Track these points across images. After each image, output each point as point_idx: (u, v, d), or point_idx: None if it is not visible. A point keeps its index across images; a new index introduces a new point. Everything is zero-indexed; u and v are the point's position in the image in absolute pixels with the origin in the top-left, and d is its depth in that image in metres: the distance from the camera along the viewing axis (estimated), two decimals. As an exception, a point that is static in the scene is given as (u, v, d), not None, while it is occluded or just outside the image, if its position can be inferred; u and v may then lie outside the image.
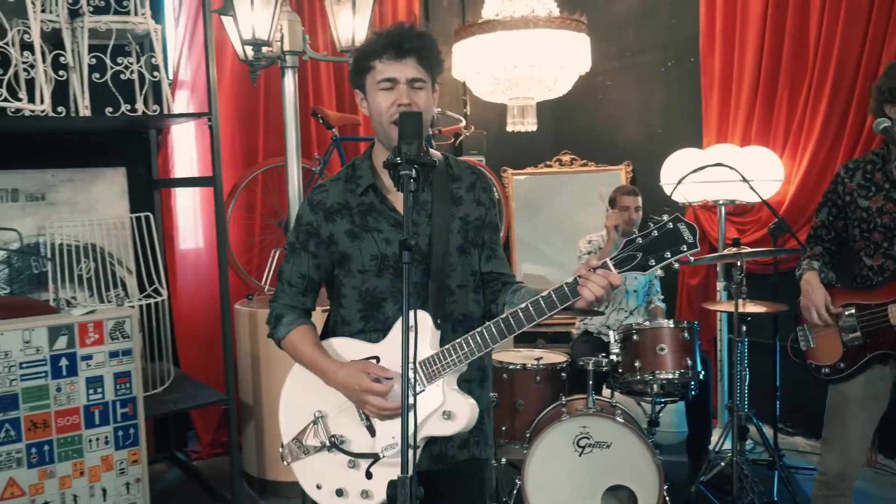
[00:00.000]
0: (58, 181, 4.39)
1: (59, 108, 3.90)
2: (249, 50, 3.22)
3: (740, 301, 3.79)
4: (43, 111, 3.71)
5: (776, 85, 4.84)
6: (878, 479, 4.34)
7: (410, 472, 1.60)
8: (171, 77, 4.68)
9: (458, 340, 1.98)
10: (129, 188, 4.62)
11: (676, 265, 1.89)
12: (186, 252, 5.01)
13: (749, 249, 3.89)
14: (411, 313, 1.94)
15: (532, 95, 5.06)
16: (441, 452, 2.15)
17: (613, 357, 3.71)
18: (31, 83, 3.77)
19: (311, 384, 2.15)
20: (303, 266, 2.20)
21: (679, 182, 4.20)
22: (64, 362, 3.34)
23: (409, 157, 1.80)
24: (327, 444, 2.13)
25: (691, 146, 5.05)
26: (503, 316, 1.95)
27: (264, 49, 3.24)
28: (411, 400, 1.65)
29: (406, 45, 2.02)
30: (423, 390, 1.99)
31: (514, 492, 3.61)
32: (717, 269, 4.99)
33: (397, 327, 2.07)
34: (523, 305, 1.92)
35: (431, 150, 2.20)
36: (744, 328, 3.88)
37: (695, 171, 4.17)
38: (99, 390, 3.43)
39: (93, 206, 4.48)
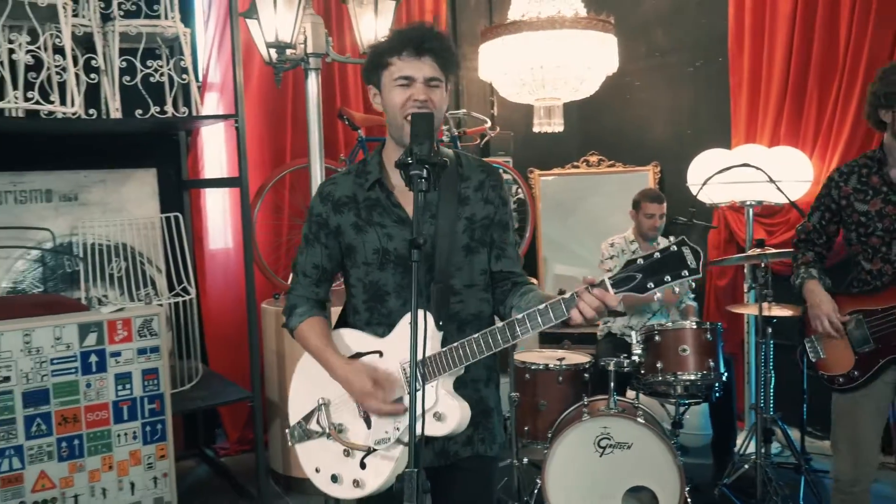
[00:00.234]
0: (90, 182, 4.49)
1: (91, 111, 3.99)
2: (273, 52, 3.26)
3: (766, 303, 3.77)
4: (74, 113, 3.79)
5: (805, 85, 4.80)
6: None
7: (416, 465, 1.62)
8: (200, 79, 4.75)
9: (455, 344, 1.99)
10: (159, 189, 4.71)
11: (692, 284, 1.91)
12: (215, 252, 5.08)
13: (773, 251, 3.86)
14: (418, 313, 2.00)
15: (558, 96, 5.05)
16: (444, 449, 2.17)
17: (635, 358, 3.70)
18: (63, 86, 3.85)
19: (320, 371, 2.20)
20: (316, 256, 2.24)
21: (704, 183, 4.20)
22: (93, 359, 3.42)
23: (419, 157, 1.82)
24: (327, 430, 2.17)
25: (720, 147, 5.02)
26: (499, 325, 1.96)
27: (288, 51, 3.28)
28: (417, 398, 1.67)
29: (426, 44, 2.05)
30: (418, 390, 2.01)
31: (535, 491, 3.62)
32: (745, 270, 4.95)
33: (402, 324, 2.09)
34: (520, 317, 1.94)
35: (442, 149, 2.23)
36: (769, 330, 3.85)
37: (720, 171, 4.16)
38: (127, 386, 3.50)
39: (124, 207, 4.57)
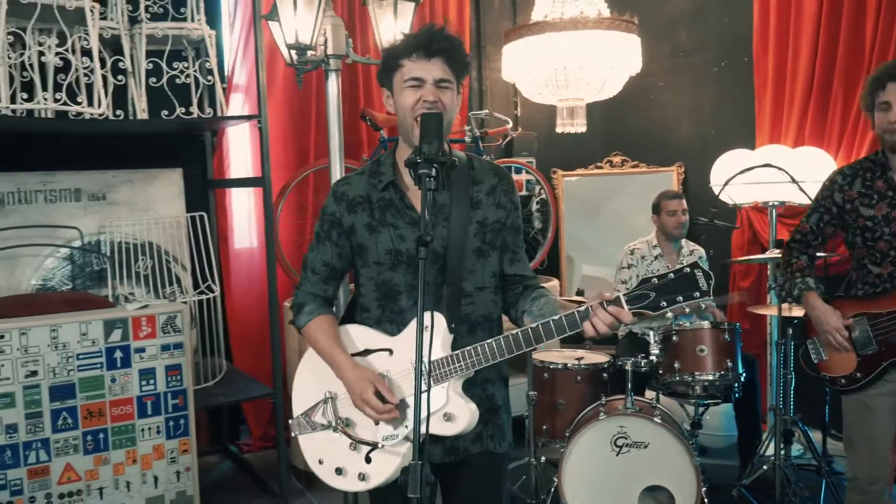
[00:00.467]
0: (118, 182, 4.57)
1: (118, 112, 4.07)
2: (294, 54, 3.31)
3: (786, 304, 3.75)
4: (101, 114, 3.87)
5: (831, 85, 4.76)
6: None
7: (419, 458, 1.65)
8: (225, 81, 4.82)
9: (468, 348, 2.04)
10: (185, 188, 4.78)
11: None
12: (241, 251, 5.15)
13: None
14: (426, 314, 2.03)
15: (581, 97, 5.05)
16: (453, 445, 2.20)
17: (653, 358, 3.71)
18: (90, 88, 3.93)
19: (326, 365, 2.24)
20: (326, 255, 2.28)
21: (725, 184, 4.19)
22: (118, 354, 3.50)
23: (427, 156, 1.86)
24: (333, 424, 2.21)
25: (744, 147, 4.99)
26: (513, 333, 2.01)
27: (309, 53, 3.33)
28: (423, 397, 1.70)
29: (435, 45, 2.08)
30: (424, 390, 2.04)
31: (552, 490, 3.64)
32: (768, 271, 4.93)
33: (414, 323, 2.12)
34: (534, 326, 1.99)
35: (455, 151, 2.26)
36: (789, 331, 3.84)
37: (742, 171, 4.15)
38: (151, 382, 3.58)
39: (150, 206, 4.64)
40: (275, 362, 4.20)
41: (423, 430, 1.72)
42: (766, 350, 4.97)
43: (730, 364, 3.70)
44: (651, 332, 3.79)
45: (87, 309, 3.59)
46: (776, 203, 4.67)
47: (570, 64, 4.77)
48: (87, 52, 3.91)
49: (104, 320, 3.46)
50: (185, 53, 4.46)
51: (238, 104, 4.96)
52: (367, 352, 2.21)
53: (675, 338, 3.78)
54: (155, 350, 3.58)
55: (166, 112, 4.23)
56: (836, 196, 3.07)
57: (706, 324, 3.80)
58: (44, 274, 4.32)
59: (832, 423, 4.46)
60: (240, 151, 5.10)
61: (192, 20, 4.35)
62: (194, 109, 4.38)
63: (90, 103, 3.88)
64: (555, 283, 5.54)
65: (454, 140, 5.42)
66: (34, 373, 3.29)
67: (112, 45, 4.22)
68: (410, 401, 2.08)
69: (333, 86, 3.46)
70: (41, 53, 3.85)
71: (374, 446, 2.14)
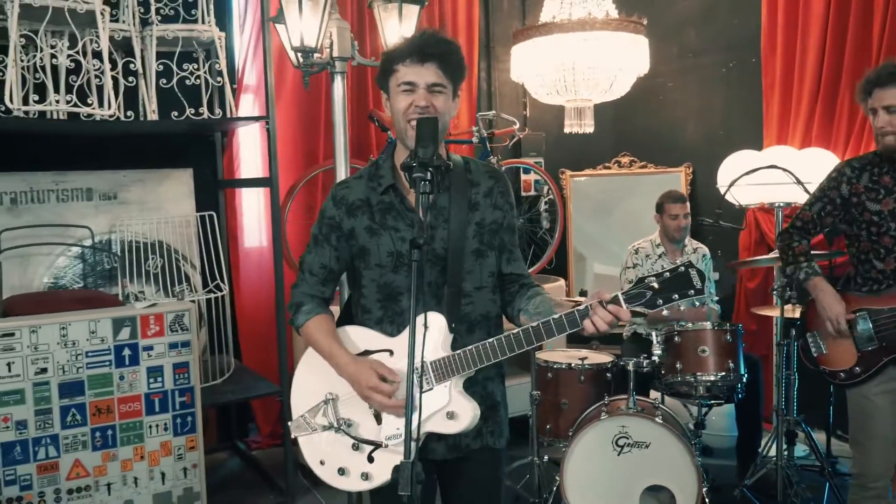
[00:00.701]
0: (129, 181, 4.62)
1: (129, 113, 4.13)
2: (299, 56, 3.36)
3: (793, 305, 3.77)
4: (112, 115, 3.93)
5: (838, 86, 4.77)
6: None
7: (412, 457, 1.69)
8: (235, 82, 4.87)
9: (470, 347, 2.07)
10: (195, 188, 4.83)
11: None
12: (250, 250, 5.20)
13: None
14: (428, 314, 2.09)
15: (589, 97, 5.07)
16: (455, 442, 2.24)
17: (655, 358, 3.73)
18: (101, 89, 3.99)
19: (327, 366, 2.27)
20: (324, 257, 2.31)
21: (731, 185, 4.21)
22: (126, 352, 3.54)
23: (422, 159, 1.90)
24: (335, 425, 2.24)
25: (752, 148, 5.00)
26: (514, 332, 2.05)
27: (315, 55, 3.37)
28: (415, 395, 1.74)
29: (428, 50, 2.11)
30: (430, 389, 2.09)
31: (554, 489, 3.67)
32: (775, 272, 4.93)
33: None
34: (535, 324, 2.03)
35: (452, 155, 2.30)
36: (792, 332, 3.85)
37: (747, 173, 4.16)
38: (159, 379, 3.62)
39: (161, 205, 4.70)
40: (282, 361, 4.25)
41: (413, 429, 1.75)
42: (772, 351, 4.98)
43: (731, 365, 3.72)
44: (654, 333, 3.82)
45: (97, 307, 3.64)
46: (782, 204, 4.67)
47: (578, 65, 4.80)
48: (97, 55, 3.96)
49: (113, 319, 3.50)
50: (196, 55, 4.52)
51: (248, 104, 5.01)
52: (367, 353, 2.24)
53: (676, 338, 3.80)
54: (163, 348, 3.62)
55: (176, 113, 4.28)
56: (842, 188, 3.08)
57: (708, 325, 3.82)
58: (55, 272, 4.39)
59: (837, 424, 4.47)
60: (250, 151, 5.15)
61: (203, 22, 4.40)
62: (204, 110, 4.44)
63: (101, 105, 3.94)
64: (561, 282, 5.56)
65: (462, 141, 5.47)
66: (44, 370, 3.34)
67: (123, 46, 4.27)
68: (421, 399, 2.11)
69: (339, 88, 3.50)
70: (53, 56, 3.92)
71: (377, 446, 2.18)
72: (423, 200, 1.91)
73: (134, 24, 4.20)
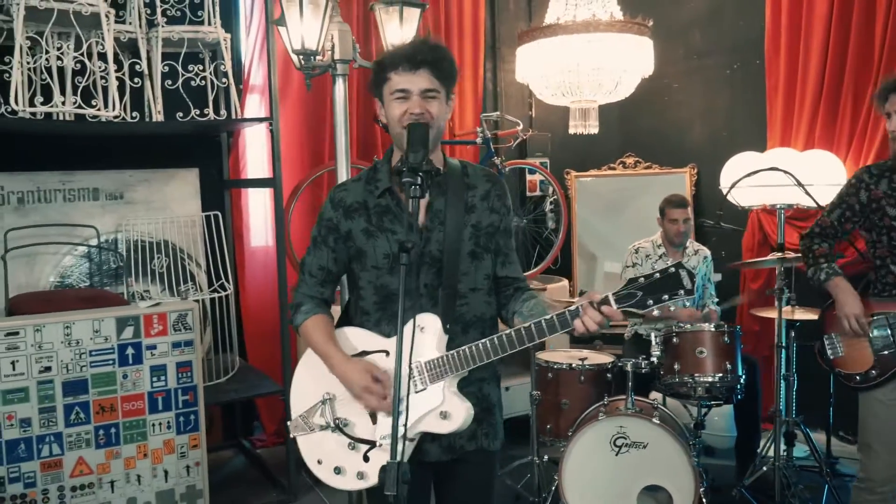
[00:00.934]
0: (135, 181, 4.66)
1: (134, 113, 4.17)
2: (301, 59, 3.39)
3: (792, 307, 3.78)
4: (116, 116, 3.97)
5: (840, 87, 4.77)
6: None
7: (399, 458, 1.72)
8: (241, 82, 4.90)
9: (463, 348, 2.11)
10: (201, 188, 4.86)
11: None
12: (256, 249, 5.24)
13: (792, 255, 3.87)
14: (423, 315, 2.13)
15: (594, 99, 5.09)
16: (450, 444, 2.27)
17: (653, 359, 3.75)
18: (107, 90, 4.03)
19: (324, 367, 2.31)
20: (323, 259, 2.35)
21: (732, 186, 4.22)
22: (130, 351, 3.59)
23: (411, 165, 1.93)
24: (332, 424, 2.28)
25: (756, 149, 5.01)
26: (507, 332, 2.09)
27: (316, 57, 3.40)
28: (403, 395, 1.77)
29: (419, 56, 2.14)
30: (424, 389, 2.13)
31: (553, 489, 3.69)
32: (777, 273, 4.92)
33: (410, 325, 2.18)
34: (527, 325, 2.06)
35: (449, 159, 2.33)
36: (792, 334, 3.86)
37: (748, 175, 4.17)
38: (162, 378, 3.66)
39: (167, 205, 4.74)
40: (285, 360, 4.28)
41: (405, 429, 1.78)
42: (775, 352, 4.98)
43: (729, 366, 3.73)
44: (653, 334, 3.84)
45: (102, 306, 3.69)
46: (784, 206, 4.67)
47: (583, 66, 4.81)
48: (103, 56, 4.00)
49: (116, 318, 3.55)
50: (202, 56, 4.56)
51: (255, 105, 5.04)
52: (364, 353, 2.27)
53: (675, 339, 3.82)
54: (166, 347, 3.66)
55: (181, 114, 4.33)
56: (861, 194, 3.09)
57: (706, 326, 3.83)
58: (62, 271, 4.43)
59: (838, 425, 4.47)
60: (257, 151, 5.18)
61: (209, 23, 4.44)
62: (209, 111, 4.47)
63: (106, 106, 3.98)
64: (564, 283, 5.58)
65: (466, 142, 5.49)
66: (48, 368, 3.38)
67: (129, 47, 4.32)
68: (408, 401, 2.14)
69: (340, 90, 3.54)
70: (59, 57, 3.96)
71: (372, 445, 2.21)
72: (413, 204, 1.94)
73: (140, 26, 4.25)
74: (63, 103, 3.94)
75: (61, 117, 3.97)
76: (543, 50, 4.88)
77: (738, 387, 3.83)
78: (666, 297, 1.96)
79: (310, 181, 4.94)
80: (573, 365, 3.98)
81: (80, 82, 4.00)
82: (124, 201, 4.63)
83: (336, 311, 2.46)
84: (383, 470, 1.75)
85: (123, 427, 3.58)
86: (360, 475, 2.23)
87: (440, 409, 2.13)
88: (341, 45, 3.46)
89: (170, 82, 4.37)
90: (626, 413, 3.53)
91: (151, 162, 4.69)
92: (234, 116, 4.50)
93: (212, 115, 4.47)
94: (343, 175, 3.55)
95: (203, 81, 4.53)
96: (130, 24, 4.24)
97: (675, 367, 3.78)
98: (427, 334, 2.12)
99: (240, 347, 4.87)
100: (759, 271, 5.15)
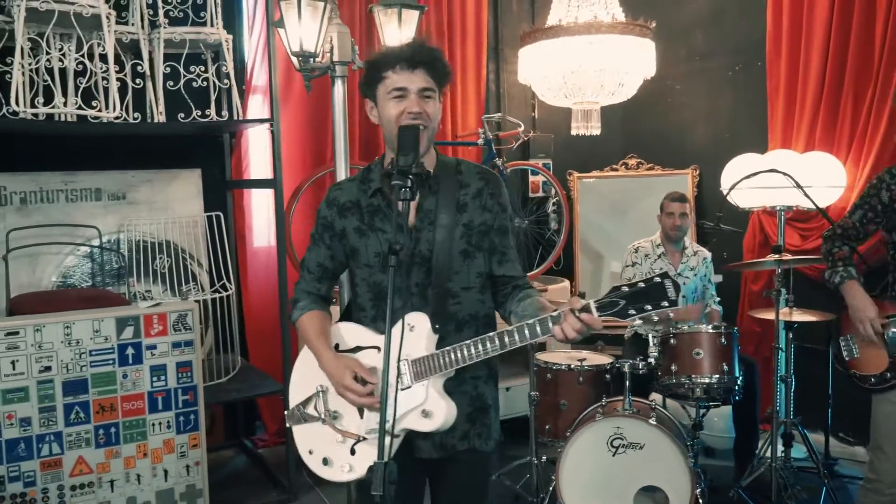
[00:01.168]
0: (137, 181, 4.69)
1: (136, 114, 4.19)
2: (299, 61, 3.41)
3: (790, 308, 3.77)
4: (117, 117, 3.99)
5: (841, 89, 4.75)
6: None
7: (386, 457, 1.74)
8: (244, 83, 4.92)
9: (447, 349, 2.12)
10: (203, 188, 4.89)
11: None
12: (258, 250, 5.26)
13: (790, 257, 3.87)
14: (412, 314, 2.15)
15: (596, 100, 5.09)
16: (442, 442, 2.28)
17: (651, 360, 3.75)
18: (108, 91, 4.05)
19: None
20: (320, 256, 2.40)
21: (731, 188, 4.22)
22: (130, 351, 3.61)
23: (400, 168, 1.95)
24: (322, 416, 2.31)
25: (757, 151, 5.01)
26: (490, 335, 2.09)
27: (315, 59, 3.42)
28: (390, 393, 1.78)
29: (417, 56, 2.17)
30: (409, 387, 2.14)
31: (550, 489, 3.70)
32: (776, 274, 4.92)
33: (400, 323, 2.20)
34: (510, 329, 2.07)
35: (442, 157, 2.34)
36: (789, 335, 3.86)
37: (747, 177, 4.17)
38: (162, 378, 3.68)
39: (169, 206, 4.76)
40: (285, 359, 4.30)
41: (388, 429, 1.79)
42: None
43: (726, 367, 3.73)
44: (650, 335, 3.84)
45: (103, 306, 3.71)
46: (783, 207, 4.68)
47: (584, 68, 4.82)
48: (104, 57, 4.03)
49: (116, 318, 3.57)
50: (204, 57, 4.58)
51: (258, 105, 5.06)
52: (357, 348, 2.31)
53: (672, 341, 3.82)
54: (166, 347, 3.68)
55: (183, 115, 4.35)
56: (882, 194, 3.08)
57: (703, 327, 3.83)
58: (64, 271, 4.46)
59: (838, 427, 4.47)
60: (259, 152, 5.20)
61: (212, 25, 4.46)
62: (211, 112, 4.49)
63: (107, 107, 4.01)
64: (566, 283, 5.58)
65: (467, 143, 5.50)
66: (48, 368, 3.41)
67: (132, 48, 4.34)
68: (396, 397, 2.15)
69: (339, 92, 3.55)
70: (60, 59, 3.99)
71: (359, 439, 2.24)
72: (402, 207, 1.96)
73: (142, 27, 4.27)
74: (64, 104, 3.96)
75: (63, 118, 3.99)
76: (545, 51, 4.88)
77: (736, 388, 3.83)
78: (649, 307, 1.93)
79: (311, 182, 4.95)
80: (572, 366, 3.98)
81: (82, 83, 4.02)
82: (127, 202, 4.65)
83: (335, 310, 2.49)
84: (370, 469, 1.76)
85: (123, 427, 3.60)
86: (347, 467, 2.27)
87: (422, 407, 2.15)
88: (340, 47, 3.47)
89: (171, 83, 4.39)
90: (623, 414, 3.54)
91: (154, 162, 4.71)
92: (235, 117, 4.51)
93: (213, 116, 4.49)
94: (342, 176, 3.57)
95: (205, 82, 4.55)
96: (133, 25, 4.27)
97: (673, 368, 3.78)
98: (416, 333, 2.14)
99: (241, 347, 4.89)
100: (760, 273, 5.15)
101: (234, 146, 5.08)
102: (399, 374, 2.12)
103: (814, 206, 4.08)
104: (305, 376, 2.41)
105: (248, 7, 5.09)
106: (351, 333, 2.35)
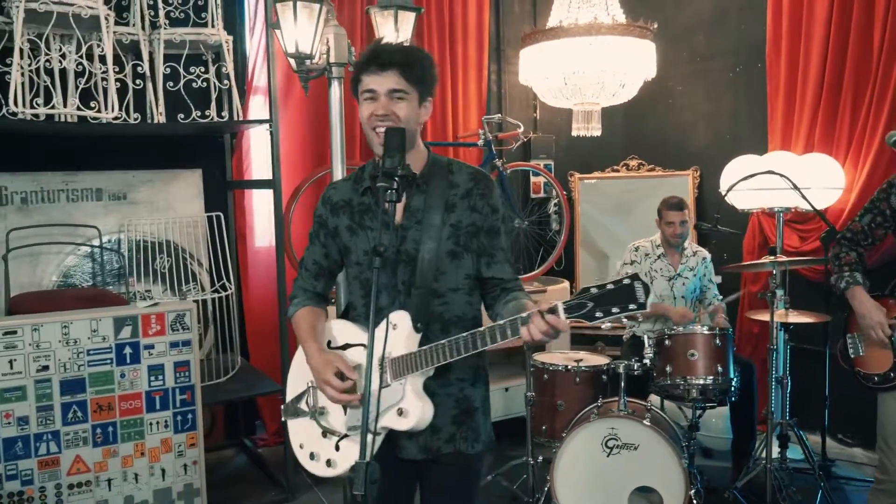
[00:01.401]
0: (138, 181, 4.71)
1: (136, 115, 4.22)
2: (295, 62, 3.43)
3: (786, 310, 3.77)
4: (116, 118, 4.02)
5: (840, 91, 4.75)
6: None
7: (368, 456, 1.75)
8: (244, 84, 4.94)
9: (423, 348, 2.13)
10: (204, 189, 4.91)
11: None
12: (259, 250, 5.27)
13: (785, 258, 3.88)
14: (396, 313, 2.16)
15: (597, 101, 5.10)
16: (427, 444, 2.29)
17: (646, 361, 3.76)
18: (107, 92, 4.08)
19: None
20: (316, 253, 2.43)
21: (729, 189, 4.22)
22: (128, 350, 3.63)
23: (385, 170, 1.96)
24: (310, 411, 2.35)
25: (758, 152, 5.01)
26: (464, 335, 2.08)
27: (311, 61, 3.44)
28: (382, 394, 1.80)
29: (384, 58, 2.17)
30: (388, 385, 2.14)
31: (546, 489, 3.70)
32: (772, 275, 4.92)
33: (389, 320, 2.21)
34: (482, 329, 2.07)
35: (434, 155, 2.34)
36: (785, 336, 3.87)
37: (744, 178, 4.17)
38: (160, 377, 3.70)
39: (170, 206, 4.79)
40: (283, 358, 4.32)
41: (381, 425, 1.81)
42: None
43: (720, 369, 3.73)
44: (645, 336, 3.85)
45: (101, 306, 3.73)
46: (782, 209, 4.67)
47: (585, 69, 4.83)
48: (103, 58, 4.05)
49: (114, 317, 3.59)
50: (205, 57, 4.60)
51: (259, 106, 5.07)
52: (346, 346, 2.34)
53: (667, 342, 3.83)
54: (164, 347, 3.70)
55: (182, 115, 4.37)
56: (892, 199, 3.10)
57: (698, 329, 3.83)
58: (65, 271, 4.48)
59: (836, 428, 4.47)
60: (260, 152, 5.20)
61: (212, 26, 4.48)
62: (211, 112, 4.52)
63: (106, 108, 4.03)
64: (565, 284, 5.59)
65: (467, 144, 5.51)
66: (45, 367, 3.43)
67: (132, 49, 4.36)
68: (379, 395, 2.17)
69: (336, 93, 3.57)
70: (60, 60, 4.01)
71: (341, 435, 2.27)
72: (389, 209, 1.98)
73: (143, 28, 4.30)
74: (64, 105, 3.99)
75: (63, 118, 4.02)
76: (546, 52, 4.90)
77: (732, 389, 3.83)
78: (616, 309, 1.90)
79: (310, 182, 4.97)
80: (569, 367, 3.99)
81: (81, 84, 4.05)
82: (127, 202, 4.68)
83: (332, 310, 2.52)
84: (353, 469, 1.78)
85: (121, 426, 3.62)
86: (329, 463, 2.30)
87: (399, 405, 2.16)
88: (337, 49, 3.49)
89: (171, 84, 4.41)
90: (617, 415, 3.55)
91: (155, 163, 4.74)
92: (235, 118, 4.53)
93: (213, 117, 4.51)
94: (338, 175, 3.59)
95: (205, 83, 4.57)
96: (133, 25, 4.29)
97: (668, 369, 3.79)
98: (399, 332, 2.16)
99: (242, 347, 4.92)
100: (759, 274, 5.15)
101: (235, 147, 5.10)
102: (370, 376, 2.13)
103: (811, 208, 4.07)
104: (300, 372, 2.44)
105: (249, 8, 5.11)
106: (342, 331, 2.38)
